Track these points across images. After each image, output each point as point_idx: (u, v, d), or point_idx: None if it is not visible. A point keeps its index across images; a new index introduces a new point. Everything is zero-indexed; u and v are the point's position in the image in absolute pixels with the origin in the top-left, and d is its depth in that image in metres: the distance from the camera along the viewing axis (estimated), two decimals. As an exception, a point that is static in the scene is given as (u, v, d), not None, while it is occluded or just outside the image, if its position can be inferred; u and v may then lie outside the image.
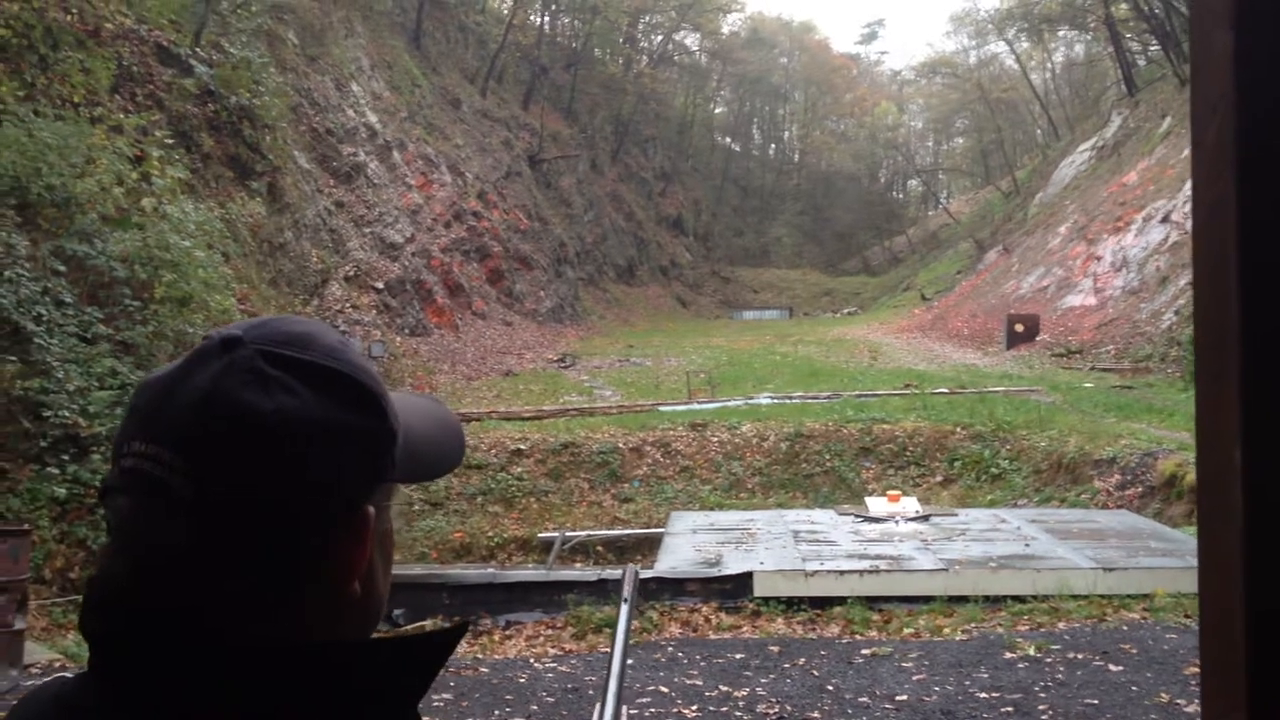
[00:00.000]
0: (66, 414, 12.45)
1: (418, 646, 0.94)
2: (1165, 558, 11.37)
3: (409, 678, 0.93)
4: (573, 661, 9.55)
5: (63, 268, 14.07)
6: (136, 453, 0.88)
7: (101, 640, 0.89)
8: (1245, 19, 0.82)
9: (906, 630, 10.25)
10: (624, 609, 1.81)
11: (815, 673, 8.59)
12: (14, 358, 12.52)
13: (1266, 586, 0.80)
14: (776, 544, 13.09)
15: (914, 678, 8.27)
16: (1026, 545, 12.50)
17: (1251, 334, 0.80)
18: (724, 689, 8.18)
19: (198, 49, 23.48)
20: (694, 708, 7.68)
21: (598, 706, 1.52)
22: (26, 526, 10.09)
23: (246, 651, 0.86)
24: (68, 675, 0.94)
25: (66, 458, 12.28)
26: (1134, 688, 7.69)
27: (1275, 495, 0.79)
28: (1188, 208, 30.32)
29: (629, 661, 8.93)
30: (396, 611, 11.79)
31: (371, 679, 0.90)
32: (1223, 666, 0.85)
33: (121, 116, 18.38)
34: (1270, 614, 0.80)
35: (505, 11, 61.54)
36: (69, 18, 18.28)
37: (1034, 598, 10.76)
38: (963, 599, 10.88)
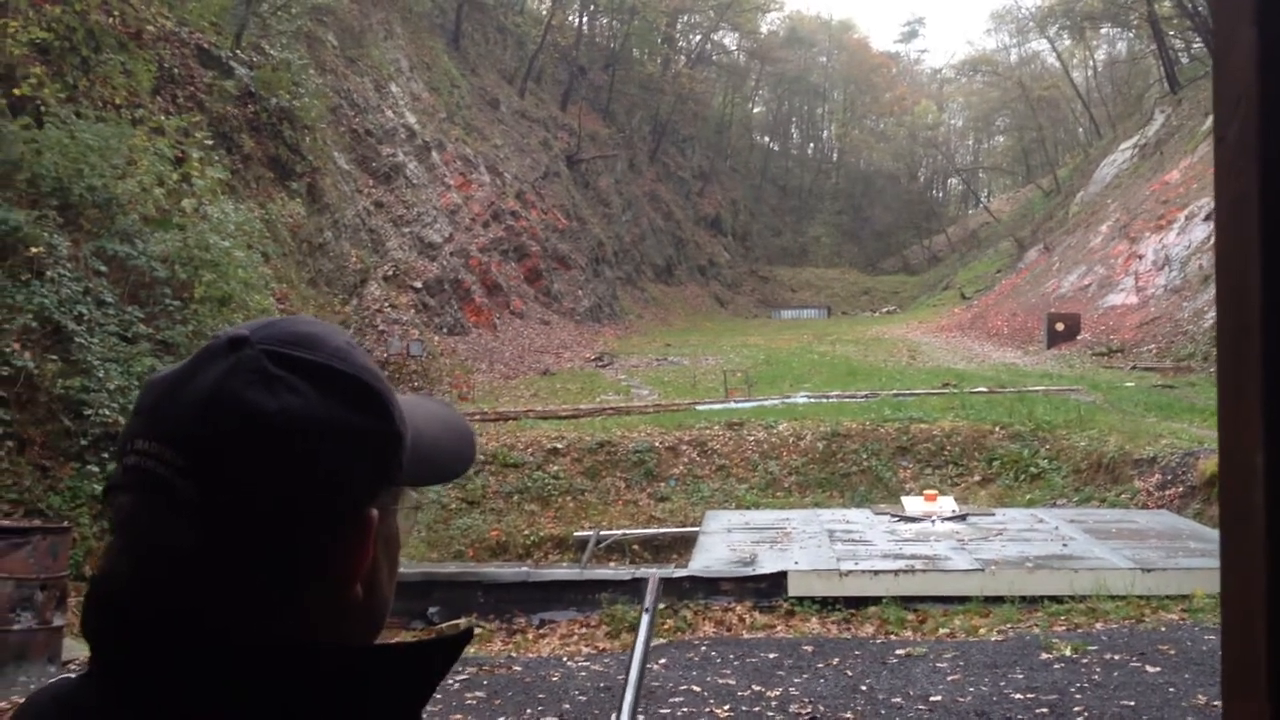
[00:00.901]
0: (107, 413, 12.56)
1: (422, 652, 0.94)
2: (1204, 558, 11.24)
3: (413, 683, 0.93)
4: (606, 660, 9.56)
5: (104, 268, 14.21)
6: (140, 451, 0.89)
7: (103, 640, 0.89)
8: (1268, 16, 0.81)
9: (942, 630, 10.20)
10: (645, 619, 1.80)
11: (849, 673, 8.56)
12: (55, 357, 12.65)
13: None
14: (811, 543, 13.06)
15: (948, 678, 8.23)
16: (1064, 545, 12.41)
17: (1274, 335, 0.79)
18: (757, 689, 8.17)
19: (238, 51, 23.67)
20: (726, 707, 7.67)
21: (614, 716, 1.52)
22: (66, 524, 10.22)
23: (248, 651, 0.86)
24: (70, 675, 0.94)
25: (106, 456, 12.39)
26: (1171, 689, 7.61)
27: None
28: (1231, 206, 30.06)
29: (661, 661, 8.96)
30: (432, 609, 11.84)
31: (376, 684, 0.90)
32: (1245, 666, 0.84)
33: (162, 118, 18.54)
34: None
35: (544, 12, 61.76)
36: (111, 20, 18.46)
37: (1071, 598, 10.69)
38: (999, 599, 10.82)
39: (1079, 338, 34.49)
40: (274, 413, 0.87)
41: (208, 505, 0.85)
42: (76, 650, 9.38)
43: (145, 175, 15.66)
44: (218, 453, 0.86)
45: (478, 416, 22.21)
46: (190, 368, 0.91)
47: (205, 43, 22.50)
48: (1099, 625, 9.87)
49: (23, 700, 0.94)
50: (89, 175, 14.59)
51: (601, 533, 15.88)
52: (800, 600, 11.27)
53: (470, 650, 10.37)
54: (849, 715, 7.40)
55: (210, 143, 19.81)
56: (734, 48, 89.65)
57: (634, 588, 11.60)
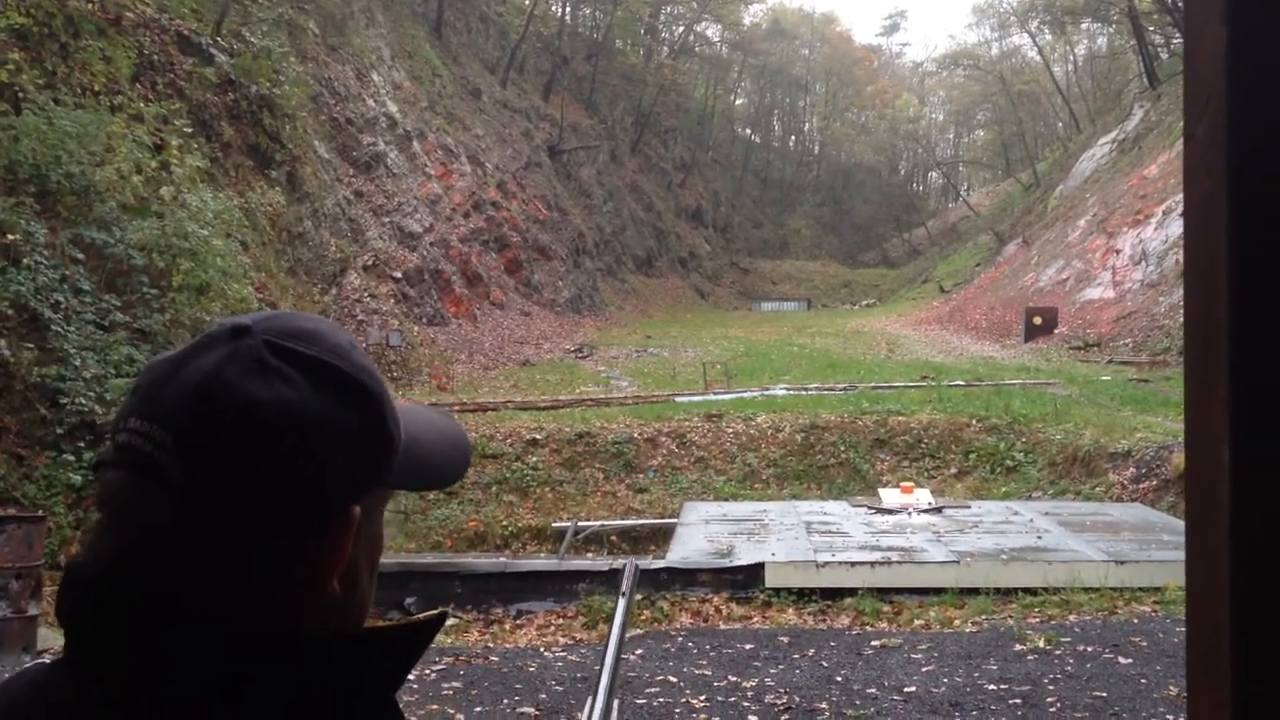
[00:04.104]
0: (83, 401, 12.51)
1: (396, 637, 0.95)
2: (1177, 551, 11.31)
3: (387, 668, 0.94)
4: (583, 651, 9.57)
5: (81, 255, 14.13)
6: (132, 429, 0.90)
7: (79, 625, 0.90)
8: (1238, 14, 0.81)
9: (917, 622, 10.24)
10: (621, 603, 1.80)
11: (824, 664, 8.60)
12: (31, 345, 12.58)
13: (1251, 582, 0.80)
14: (789, 535, 13.09)
15: (923, 669, 8.27)
16: (1039, 538, 12.47)
17: (1240, 331, 0.80)
18: (733, 679, 8.19)
19: (219, 38, 23.51)
20: (702, 698, 7.69)
21: (589, 700, 1.52)
22: (41, 513, 10.18)
23: (227, 638, 0.87)
24: (45, 661, 0.94)
25: (83, 445, 12.34)
26: (1143, 680, 7.67)
27: (1260, 493, 0.79)
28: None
29: (638, 651, 8.95)
30: (409, 600, 11.83)
31: (350, 668, 0.91)
32: (1209, 659, 0.85)
33: (141, 105, 18.41)
34: (1255, 608, 0.80)
35: (526, 2, 61.50)
36: (90, 6, 18.34)
37: (1045, 590, 10.75)
38: (974, 591, 10.87)
39: (1056, 331, 34.64)
40: (267, 402, 0.88)
41: (193, 487, 0.86)
42: (51, 639, 9.33)
43: (123, 162, 15.58)
44: (208, 437, 0.87)
45: (457, 407, 22.16)
46: (190, 352, 0.92)
47: (185, 29, 22.34)
48: (1072, 617, 9.93)
49: None
50: (67, 162, 14.50)
51: (579, 524, 15.87)
52: (777, 591, 11.30)
53: (447, 640, 10.37)
54: (824, 705, 7.43)
55: (189, 130, 19.67)
56: (716, 39, 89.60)
57: (611, 578, 11.60)
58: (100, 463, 0.93)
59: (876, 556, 11.68)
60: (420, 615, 1.01)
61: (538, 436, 18.69)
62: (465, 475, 1.10)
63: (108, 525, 0.91)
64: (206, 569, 0.87)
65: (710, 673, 8.42)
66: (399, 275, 33.42)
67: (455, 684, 8.20)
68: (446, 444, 1.07)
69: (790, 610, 10.96)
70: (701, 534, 13.44)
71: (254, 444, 0.87)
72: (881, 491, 15.87)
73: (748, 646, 9.31)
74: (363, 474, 0.94)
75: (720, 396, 23.47)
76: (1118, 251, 36.51)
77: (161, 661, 0.86)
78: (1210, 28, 0.84)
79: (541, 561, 13.21)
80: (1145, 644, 8.68)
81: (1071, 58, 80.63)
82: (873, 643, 9.28)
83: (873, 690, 7.76)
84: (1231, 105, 0.81)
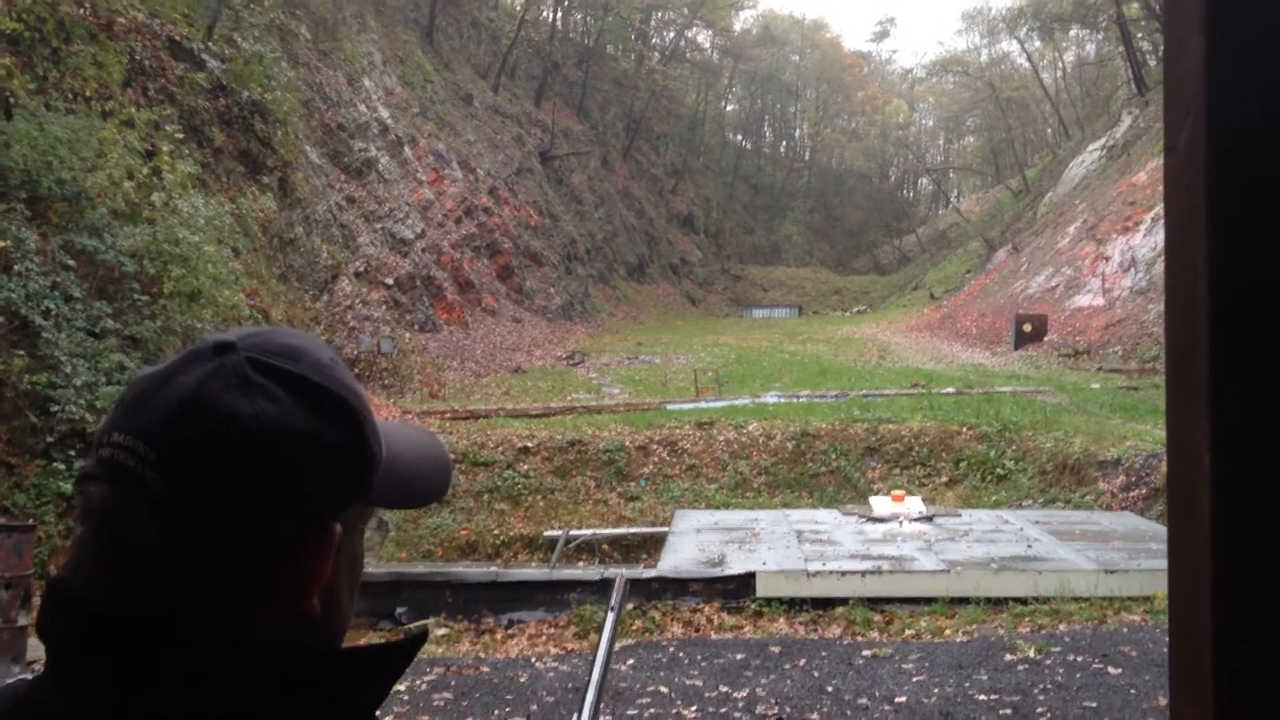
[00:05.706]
0: (74, 409, 12.45)
1: (376, 655, 0.95)
2: (1167, 560, 11.31)
3: (367, 686, 0.94)
4: (574, 661, 9.56)
5: (72, 262, 14.09)
6: (115, 443, 0.90)
7: (59, 640, 0.90)
8: (1217, 25, 0.82)
9: (908, 631, 10.25)
10: (610, 618, 1.80)
11: (815, 674, 8.59)
12: (22, 352, 12.53)
13: (1232, 590, 0.81)
14: (780, 544, 13.09)
15: (914, 679, 8.26)
16: (1029, 547, 12.49)
17: (1220, 341, 0.80)
18: (724, 689, 8.18)
19: (210, 44, 23.49)
20: (693, 708, 7.68)
21: (575, 716, 1.52)
22: (31, 522, 10.14)
23: (206, 655, 0.87)
24: (27, 677, 0.94)
25: (73, 453, 12.29)
26: (1132, 690, 7.68)
27: (1241, 501, 0.80)
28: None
29: (629, 662, 8.93)
30: (400, 609, 11.81)
31: (331, 687, 0.91)
32: (1191, 666, 0.85)
33: (133, 111, 18.36)
34: (1235, 616, 0.80)
35: (518, 7, 61.55)
36: (82, 11, 18.29)
37: (1035, 599, 10.76)
38: (964, 600, 10.88)
39: (1046, 339, 34.70)
40: (249, 418, 0.88)
41: (174, 502, 0.86)
42: (42, 649, 9.31)
43: (115, 168, 15.53)
44: (190, 451, 0.87)
45: (448, 414, 22.16)
46: (174, 367, 0.92)
47: (177, 35, 22.31)
48: (1062, 626, 9.94)
49: None
50: (58, 168, 14.45)
51: (571, 532, 15.86)
52: (768, 601, 11.30)
53: (438, 651, 10.36)
54: (815, 716, 7.43)
55: (181, 136, 19.64)
56: (707, 45, 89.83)
57: (602, 588, 11.60)
58: (83, 477, 0.93)
59: (867, 565, 11.68)
60: (404, 626, 1.00)
61: (529, 444, 18.68)
62: (445, 495, 1.10)
63: (88, 540, 0.91)
64: (186, 584, 0.87)
65: (701, 683, 8.41)
66: (390, 282, 33.42)
67: (446, 694, 8.18)
68: (428, 462, 1.08)
69: (781, 620, 10.96)
70: (693, 543, 13.43)
71: (236, 459, 0.87)
72: (872, 500, 15.88)
73: (739, 656, 9.30)
74: (344, 491, 0.94)
75: (712, 404, 23.49)
76: (1107, 258, 36.57)
77: (140, 679, 0.86)
78: (1190, 39, 0.84)
79: (533, 571, 13.20)
80: (1135, 653, 8.69)
81: (1060, 64, 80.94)
82: (864, 652, 9.28)
83: (864, 700, 7.76)
84: (1211, 116, 0.81)
